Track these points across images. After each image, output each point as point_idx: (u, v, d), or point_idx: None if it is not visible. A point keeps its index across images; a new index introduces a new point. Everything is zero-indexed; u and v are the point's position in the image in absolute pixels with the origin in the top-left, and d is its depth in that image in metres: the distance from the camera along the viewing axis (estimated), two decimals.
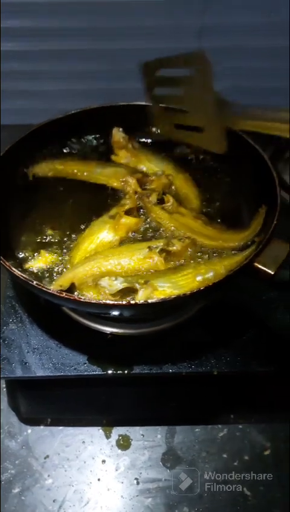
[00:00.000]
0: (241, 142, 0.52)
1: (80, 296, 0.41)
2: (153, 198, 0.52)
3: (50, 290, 0.38)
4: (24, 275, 0.39)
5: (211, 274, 0.44)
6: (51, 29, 0.81)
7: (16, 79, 0.88)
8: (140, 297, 0.40)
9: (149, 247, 0.46)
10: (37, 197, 0.55)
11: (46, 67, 0.87)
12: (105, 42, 0.83)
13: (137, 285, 0.41)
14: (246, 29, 0.81)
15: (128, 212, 0.51)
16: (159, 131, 0.59)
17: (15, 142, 0.52)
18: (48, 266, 0.48)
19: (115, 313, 0.39)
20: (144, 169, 0.59)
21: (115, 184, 0.56)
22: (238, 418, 0.51)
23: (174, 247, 0.46)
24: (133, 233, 0.51)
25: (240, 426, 0.50)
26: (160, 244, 0.47)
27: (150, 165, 0.59)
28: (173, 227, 0.50)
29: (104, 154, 0.61)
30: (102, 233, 0.50)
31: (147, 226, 0.52)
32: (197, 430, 0.50)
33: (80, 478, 0.47)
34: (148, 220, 0.52)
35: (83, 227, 0.51)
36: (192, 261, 0.46)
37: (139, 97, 0.63)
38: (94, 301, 0.37)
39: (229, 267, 0.44)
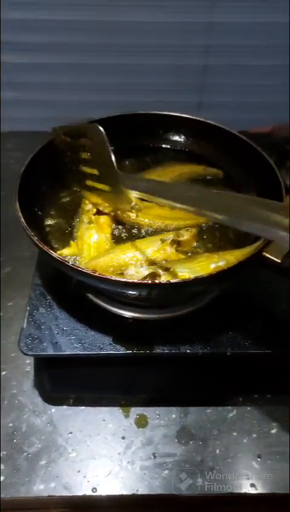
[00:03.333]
0: (249, 149, 0.58)
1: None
2: None
3: (85, 269, 0.43)
4: (61, 257, 0.44)
5: (223, 262, 0.49)
6: (67, 44, 0.88)
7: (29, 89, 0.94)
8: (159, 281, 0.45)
9: (161, 240, 0.52)
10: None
11: (62, 79, 0.94)
12: (116, 58, 0.91)
13: (160, 271, 0.47)
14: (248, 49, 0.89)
15: (99, 212, 0.57)
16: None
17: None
18: (70, 257, 0.53)
19: (144, 292, 0.44)
20: None
21: None
22: (246, 400, 0.55)
23: (184, 237, 0.52)
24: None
25: (249, 408, 0.55)
26: (171, 236, 0.52)
27: None
28: (147, 221, 0.56)
29: None
30: (93, 238, 0.54)
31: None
32: (208, 410, 0.54)
33: (101, 452, 0.51)
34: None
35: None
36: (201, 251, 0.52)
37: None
38: (129, 280, 0.42)
39: (239, 257, 0.49)
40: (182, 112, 0.70)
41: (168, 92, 0.96)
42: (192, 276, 0.46)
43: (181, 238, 0.51)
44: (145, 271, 0.46)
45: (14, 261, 0.69)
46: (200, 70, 0.93)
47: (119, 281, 0.42)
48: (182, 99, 0.96)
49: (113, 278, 0.41)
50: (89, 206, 0.57)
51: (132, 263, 0.49)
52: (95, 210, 0.56)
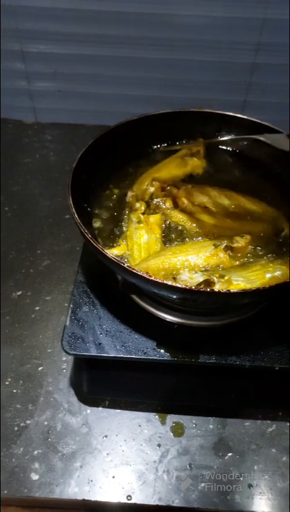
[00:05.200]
0: None
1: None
2: (169, 203, 0.56)
3: (142, 273, 0.41)
4: (117, 259, 0.42)
5: (279, 272, 0.47)
6: (113, 36, 0.86)
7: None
8: (218, 289, 0.43)
9: (215, 245, 0.50)
10: None
11: (106, 72, 0.92)
12: (161, 52, 0.88)
13: (214, 278, 0.45)
14: None
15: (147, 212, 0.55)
16: None
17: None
18: (120, 256, 0.52)
19: (201, 299, 0.42)
20: None
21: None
22: (285, 415, 0.53)
23: (239, 244, 0.50)
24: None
25: (288, 424, 0.53)
26: (225, 241, 0.50)
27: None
28: (194, 226, 0.54)
29: None
30: (143, 238, 0.52)
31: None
32: (247, 423, 0.53)
33: (137, 459, 0.50)
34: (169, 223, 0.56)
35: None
36: (260, 259, 0.50)
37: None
38: (187, 287, 0.40)
39: None
40: (226, 111, 0.68)
41: (212, 90, 0.93)
42: (247, 285, 0.45)
43: (235, 245, 0.49)
44: (200, 277, 0.44)
45: (52, 255, 0.68)
46: (248, 68, 0.90)
47: (177, 287, 0.40)
48: (226, 97, 0.93)
49: (172, 283, 0.40)
50: (137, 205, 0.55)
51: (183, 267, 0.47)
52: (143, 209, 0.54)
